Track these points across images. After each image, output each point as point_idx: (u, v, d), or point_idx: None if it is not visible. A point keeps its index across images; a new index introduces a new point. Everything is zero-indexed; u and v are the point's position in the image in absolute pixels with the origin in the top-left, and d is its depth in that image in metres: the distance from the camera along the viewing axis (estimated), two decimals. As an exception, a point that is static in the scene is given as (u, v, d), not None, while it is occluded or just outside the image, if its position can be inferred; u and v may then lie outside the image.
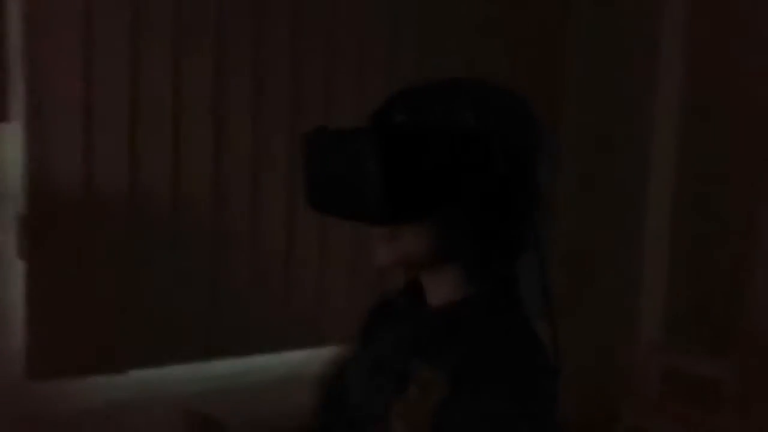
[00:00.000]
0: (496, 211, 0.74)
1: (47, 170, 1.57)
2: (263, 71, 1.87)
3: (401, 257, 0.77)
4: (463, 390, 0.70)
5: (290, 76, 1.92)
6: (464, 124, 0.72)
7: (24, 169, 1.55)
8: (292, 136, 1.89)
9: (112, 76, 1.64)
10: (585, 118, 2.66)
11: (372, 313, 0.95)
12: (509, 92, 0.78)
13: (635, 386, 3.10)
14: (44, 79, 1.55)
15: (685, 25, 2.53)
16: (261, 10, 1.84)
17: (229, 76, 1.81)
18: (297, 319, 2.03)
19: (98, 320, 1.68)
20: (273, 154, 1.89)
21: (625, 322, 3.19)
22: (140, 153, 1.69)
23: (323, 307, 2.07)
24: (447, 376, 0.71)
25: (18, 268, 1.59)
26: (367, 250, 0.86)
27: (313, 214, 0.81)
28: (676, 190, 2.98)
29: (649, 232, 3.08)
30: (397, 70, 2.05)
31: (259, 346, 1.98)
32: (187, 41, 1.73)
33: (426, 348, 0.77)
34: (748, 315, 3.27)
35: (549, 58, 2.45)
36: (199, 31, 1.75)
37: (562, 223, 2.39)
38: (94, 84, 1.61)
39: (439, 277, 0.80)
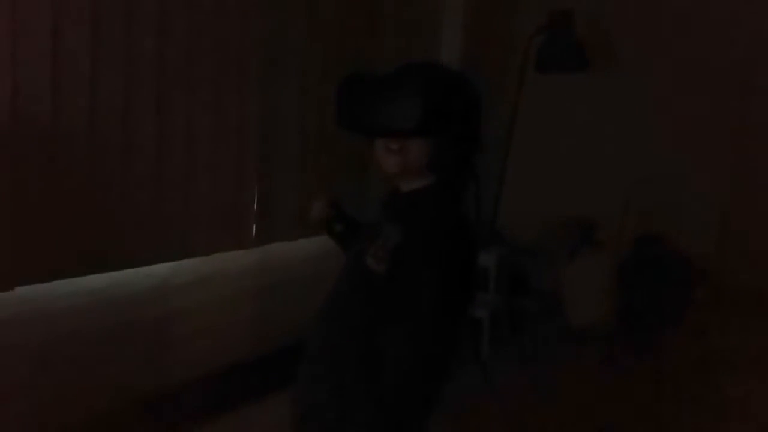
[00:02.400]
0: (466, 137, 1.22)
1: None
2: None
3: (404, 165, 1.19)
4: (409, 242, 1.15)
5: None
6: (448, 91, 1.18)
7: None
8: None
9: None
10: None
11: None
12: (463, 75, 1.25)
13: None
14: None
15: None
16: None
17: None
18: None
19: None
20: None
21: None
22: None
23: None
24: (401, 233, 1.16)
25: None
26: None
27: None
28: None
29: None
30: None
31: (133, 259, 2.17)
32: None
33: (393, 216, 1.23)
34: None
35: None
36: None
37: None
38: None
39: (416, 179, 1.23)
